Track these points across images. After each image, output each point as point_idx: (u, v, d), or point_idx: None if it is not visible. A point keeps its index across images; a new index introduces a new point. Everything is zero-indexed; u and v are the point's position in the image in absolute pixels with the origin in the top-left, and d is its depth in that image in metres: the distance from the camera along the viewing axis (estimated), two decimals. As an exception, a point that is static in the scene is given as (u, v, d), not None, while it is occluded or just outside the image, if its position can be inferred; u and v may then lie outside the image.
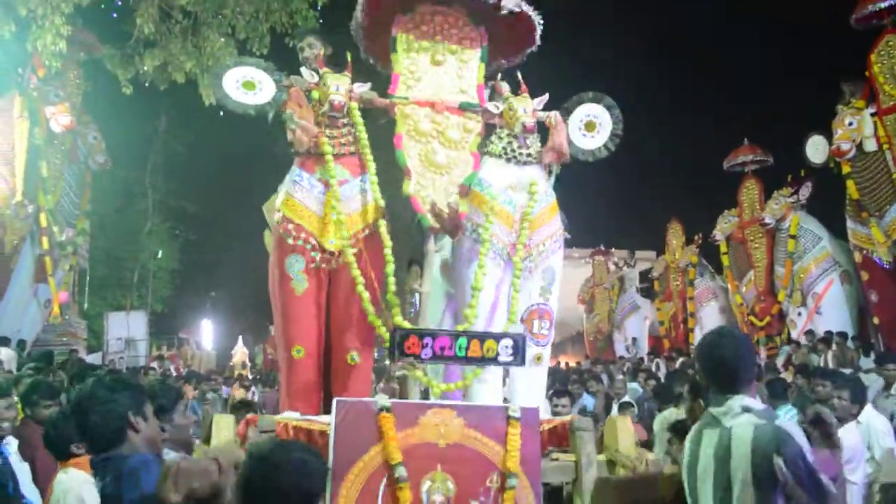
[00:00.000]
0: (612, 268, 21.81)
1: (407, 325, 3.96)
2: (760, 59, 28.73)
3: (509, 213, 4.34)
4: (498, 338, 3.76)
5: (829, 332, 12.59)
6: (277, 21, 11.66)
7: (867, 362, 10.07)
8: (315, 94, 4.26)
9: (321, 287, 4.19)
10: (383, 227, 4.22)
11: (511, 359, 3.73)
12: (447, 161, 4.22)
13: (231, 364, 24.44)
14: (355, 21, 4.44)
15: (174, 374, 14.89)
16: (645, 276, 22.31)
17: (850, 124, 12.20)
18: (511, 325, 4.15)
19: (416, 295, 4.38)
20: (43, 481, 4.61)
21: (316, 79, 4.28)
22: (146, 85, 13.97)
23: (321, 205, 4.16)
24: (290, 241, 4.13)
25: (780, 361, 12.41)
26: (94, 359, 15.55)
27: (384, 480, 3.31)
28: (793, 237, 14.47)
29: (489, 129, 4.52)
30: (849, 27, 12.55)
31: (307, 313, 4.16)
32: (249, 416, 3.94)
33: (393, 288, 4.09)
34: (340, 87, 4.19)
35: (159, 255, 26.53)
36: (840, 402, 4.86)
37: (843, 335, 11.91)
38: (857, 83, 12.52)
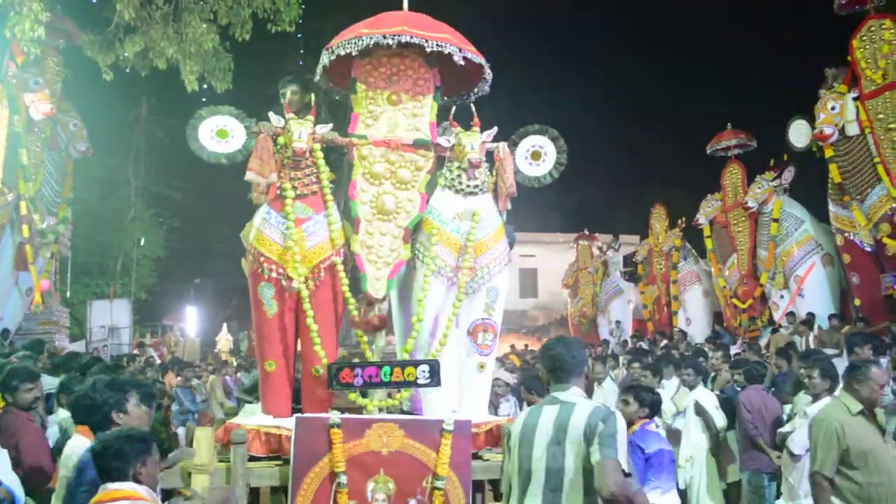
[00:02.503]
0: (596, 252, 21.90)
1: (369, 353, 4.70)
2: (744, 44, 28.81)
3: (456, 240, 4.85)
4: (416, 364, 4.41)
5: (810, 314, 12.75)
6: (259, 6, 11.56)
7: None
8: (281, 140, 4.72)
9: (289, 309, 4.77)
10: (338, 265, 4.75)
11: (428, 381, 4.35)
12: (395, 206, 4.75)
13: (216, 350, 24.38)
14: (320, 65, 4.89)
15: (158, 361, 14.82)
16: (629, 260, 22.43)
17: (833, 109, 12.28)
18: (440, 349, 4.72)
19: (377, 307, 4.82)
20: (28, 466, 4.60)
21: (282, 123, 4.70)
22: (127, 71, 13.82)
23: (287, 239, 4.67)
24: (262, 272, 4.71)
25: (762, 343, 12.55)
26: (76, 347, 15.44)
27: (333, 484, 4.04)
28: (775, 221, 14.58)
29: (441, 162, 4.98)
30: (831, 13, 12.61)
31: (277, 333, 4.77)
32: (227, 423, 4.73)
33: (357, 316, 4.73)
34: (303, 133, 4.62)
35: (142, 243, 26.34)
36: (811, 380, 5.32)
37: (836, 317, 12.04)
38: (840, 68, 12.59)
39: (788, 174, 14.82)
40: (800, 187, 15.03)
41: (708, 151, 16.77)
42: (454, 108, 5.25)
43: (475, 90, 5.31)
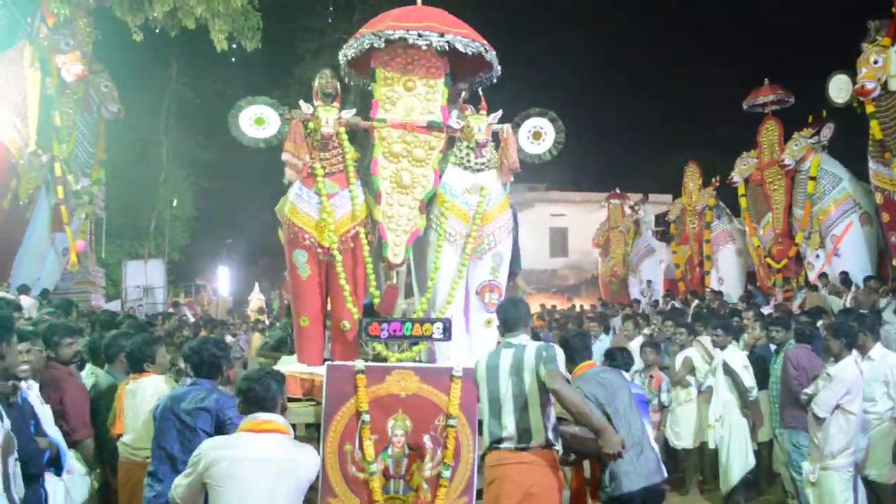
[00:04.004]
0: (628, 211, 21.68)
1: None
2: (782, -4, 27.95)
3: (466, 212, 5.46)
4: (433, 321, 5.07)
5: (844, 273, 12.53)
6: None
7: (893, 304, 10.00)
8: (310, 125, 5.36)
9: (321, 273, 5.43)
10: (361, 233, 5.39)
11: (442, 336, 5.01)
12: (411, 181, 5.41)
13: (246, 310, 24.71)
14: (342, 58, 5.57)
15: (191, 320, 15.08)
16: (661, 219, 22.17)
17: (876, 63, 11.88)
18: (448, 307, 5.39)
19: (395, 272, 5.51)
20: (72, 419, 4.73)
21: (311, 110, 5.34)
22: (157, 32, 13.83)
23: (317, 211, 5.35)
24: (296, 241, 5.37)
25: (795, 304, 12.39)
26: (112, 307, 15.74)
27: (359, 421, 4.68)
28: (812, 179, 14.26)
29: (452, 141, 5.59)
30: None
31: (310, 293, 5.45)
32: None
33: (373, 281, 5.40)
34: (329, 119, 5.27)
35: (175, 204, 26.61)
36: (825, 342, 5.47)
37: (873, 278, 11.77)
38: (884, 20, 12.15)
39: (827, 131, 14.44)
40: (839, 144, 14.65)
41: (744, 108, 16.38)
42: (464, 94, 5.90)
43: (485, 76, 5.91)
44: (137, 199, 24.77)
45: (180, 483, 3.34)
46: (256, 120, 5.35)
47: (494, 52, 5.50)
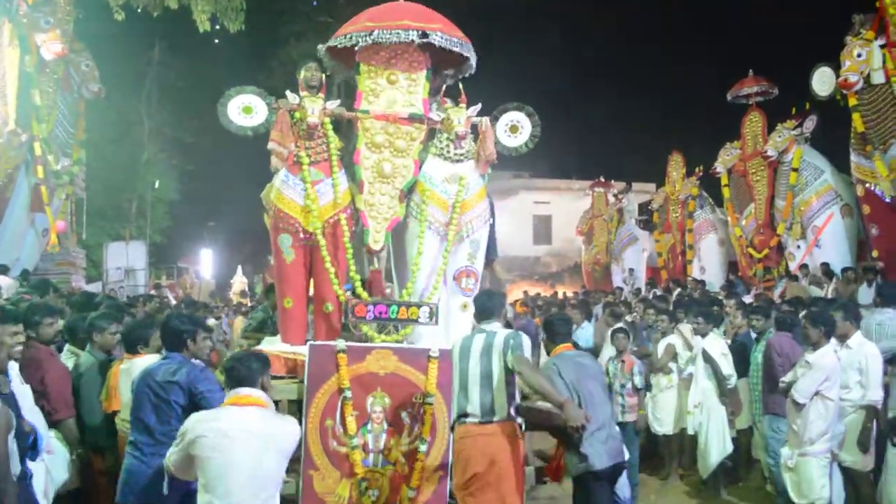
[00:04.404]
0: (612, 199, 21.73)
1: (364, 294, 5.62)
2: (768, -13, 28.05)
3: (445, 200, 5.73)
4: (419, 305, 5.38)
5: (825, 265, 12.66)
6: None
7: (867, 293, 10.14)
8: (297, 115, 5.58)
9: (305, 256, 5.68)
10: (343, 220, 5.64)
11: (428, 320, 5.34)
12: (392, 171, 5.67)
13: (230, 293, 24.60)
14: (323, 55, 5.89)
15: (173, 302, 14.97)
16: (644, 207, 22.25)
17: (859, 56, 11.92)
18: (435, 292, 5.69)
19: (376, 258, 5.83)
20: (55, 398, 4.69)
21: (298, 101, 5.57)
22: (138, 11, 13.64)
23: (302, 198, 5.56)
24: (281, 226, 5.60)
25: (776, 293, 12.49)
26: (93, 288, 15.60)
27: (339, 398, 4.96)
28: (795, 170, 14.34)
29: (433, 132, 5.86)
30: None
31: (295, 276, 5.70)
32: (253, 349, 5.39)
33: (353, 266, 5.67)
34: (315, 109, 5.49)
35: (157, 186, 26.38)
36: (805, 331, 5.54)
37: (850, 269, 11.91)
38: (868, 14, 12.19)
39: (810, 123, 14.51)
40: (821, 136, 14.73)
41: (728, 99, 16.44)
42: (444, 87, 6.19)
43: (463, 70, 6.16)
44: (119, 180, 24.53)
45: (172, 452, 3.52)
46: (244, 109, 5.54)
47: (471, 45, 5.76)
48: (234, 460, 3.33)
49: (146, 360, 4.82)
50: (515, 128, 5.96)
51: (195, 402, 4.02)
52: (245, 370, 3.58)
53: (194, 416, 3.53)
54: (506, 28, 32.93)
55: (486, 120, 5.86)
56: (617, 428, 4.79)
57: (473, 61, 5.94)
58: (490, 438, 4.38)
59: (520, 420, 4.49)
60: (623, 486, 4.65)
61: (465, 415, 4.46)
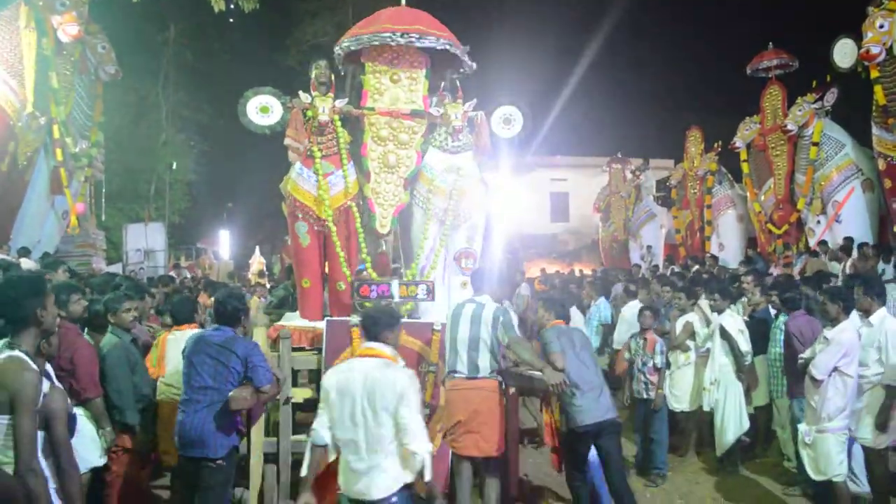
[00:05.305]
0: (629, 176, 21.58)
1: (374, 274, 6.33)
2: (789, -43, 27.52)
3: (444, 189, 6.39)
4: (418, 284, 5.96)
5: (847, 239, 12.50)
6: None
7: (888, 269, 10.04)
8: (309, 113, 6.23)
9: (319, 241, 6.40)
10: (353, 208, 6.33)
11: (426, 297, 5.91)
12: (397, 162, 6.34)
13: (247, 273, 24.77)
14: (336, 55, 6.50)
15: (192, 282, 15.11)
16: (662, 184, 22.08)
17: (882, 27, 11.71)
18: (433, 271, 6.38)
19: (383, 241, 6.68)
20: (83, 377, 4.74)
21: (309, 100, 6.24)
22: (153, -8, 13.61)
23: (315, 188, 6.23)
24: (298, 214, 6.31)
25: (795, 270, 12.39)
26: (114, 270, 15.76)
27: None
28: (815, 144, 14.17)
29: (432, 127, 6.52)
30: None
31: (310, 259, 6.42)
32: (276, 324, 6.36)
33: (364, 248, 6.33)
34: (325, 107, 6.17)
35: (174, 167, 26.50)
36: (823, 307, 5.58)
37: (868, 245, 11.74)
38: (891, -17, 11.95)
39: (831, 96, 14.29)
40: (842, 110, 14.51)
41: (748, 72, 16.22)
42: (443, 84, 6.82)
43: (461, 70, 6.77)
44: (137, 162, 24.63)
45: (318, 427, 3.77)
46: (262, 108, 6.17)
47: (468, 48, 6.46)
48: (353, 400, 3.65)
49: (189, 332, 5.41)
50: (508, 120, 6.68)
51: (248, 371, 4.46)
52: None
53: (328, 373, 3.89)
54: (523, 4, 32.60)
55: (481, 114, 6.52)
56: (608, 390, 5.32)
57: (471, 63, 6.61)
58: (474, 392, 5.12)
59: (500, 378, 5.27)
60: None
61: (455, 371, 5.20)
